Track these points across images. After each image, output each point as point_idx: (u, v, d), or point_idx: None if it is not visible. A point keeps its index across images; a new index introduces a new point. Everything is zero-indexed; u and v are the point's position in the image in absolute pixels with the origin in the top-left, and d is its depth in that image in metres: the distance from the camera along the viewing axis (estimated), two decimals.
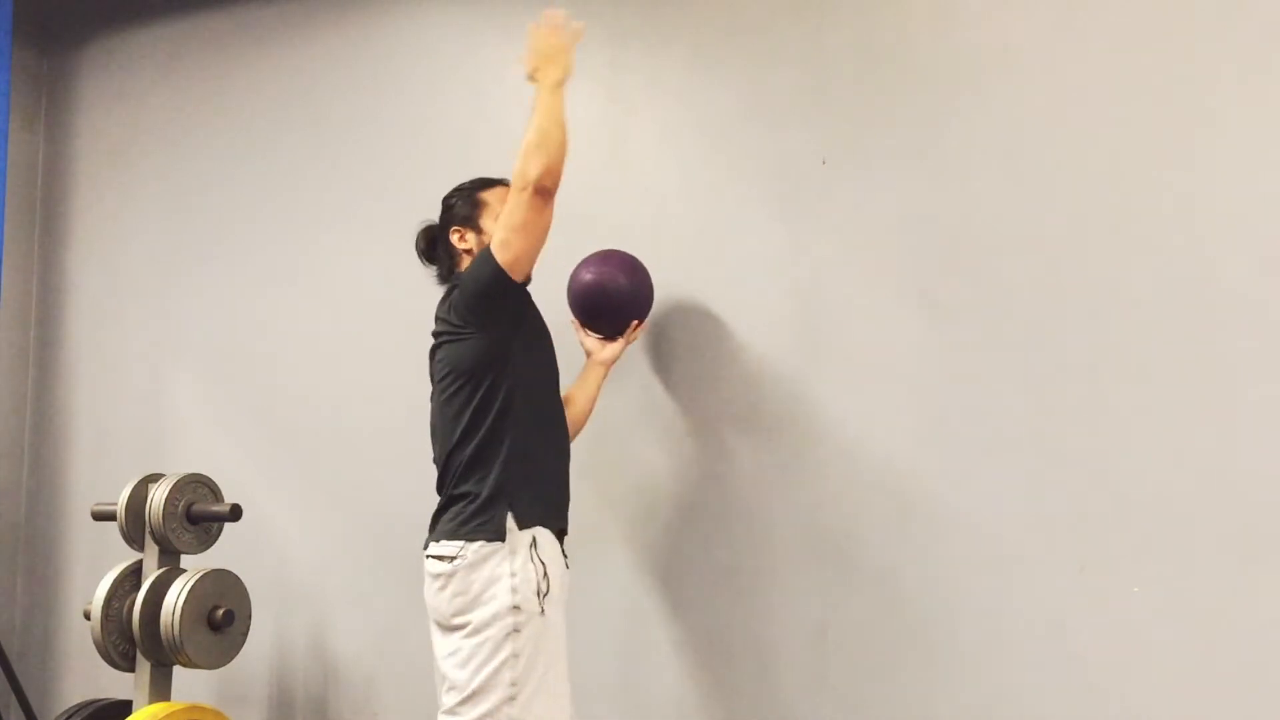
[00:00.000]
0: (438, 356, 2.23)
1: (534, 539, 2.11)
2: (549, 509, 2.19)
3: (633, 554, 2.65)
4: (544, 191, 2.06)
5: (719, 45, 2.66)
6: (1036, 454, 2.25)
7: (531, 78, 2.15)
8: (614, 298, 2.47)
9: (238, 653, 2.81)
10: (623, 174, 2.74)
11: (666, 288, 2.64)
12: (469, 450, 2.14)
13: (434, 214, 2.40)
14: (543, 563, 2.09)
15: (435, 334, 2.26)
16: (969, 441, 2.31)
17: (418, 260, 2.43)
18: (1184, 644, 2.10)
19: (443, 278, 2.38)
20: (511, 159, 2.64)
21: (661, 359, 2.65)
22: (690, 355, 2.62)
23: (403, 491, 2.83)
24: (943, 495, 2.33)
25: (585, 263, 2.51)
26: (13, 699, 3.26)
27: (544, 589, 2.07)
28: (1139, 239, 2.20)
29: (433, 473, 2.34)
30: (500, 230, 2.09)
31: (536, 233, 2.09)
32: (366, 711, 2.99)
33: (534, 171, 2.04)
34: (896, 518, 2.37)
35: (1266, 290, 2.09)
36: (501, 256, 2.08)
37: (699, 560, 2.56)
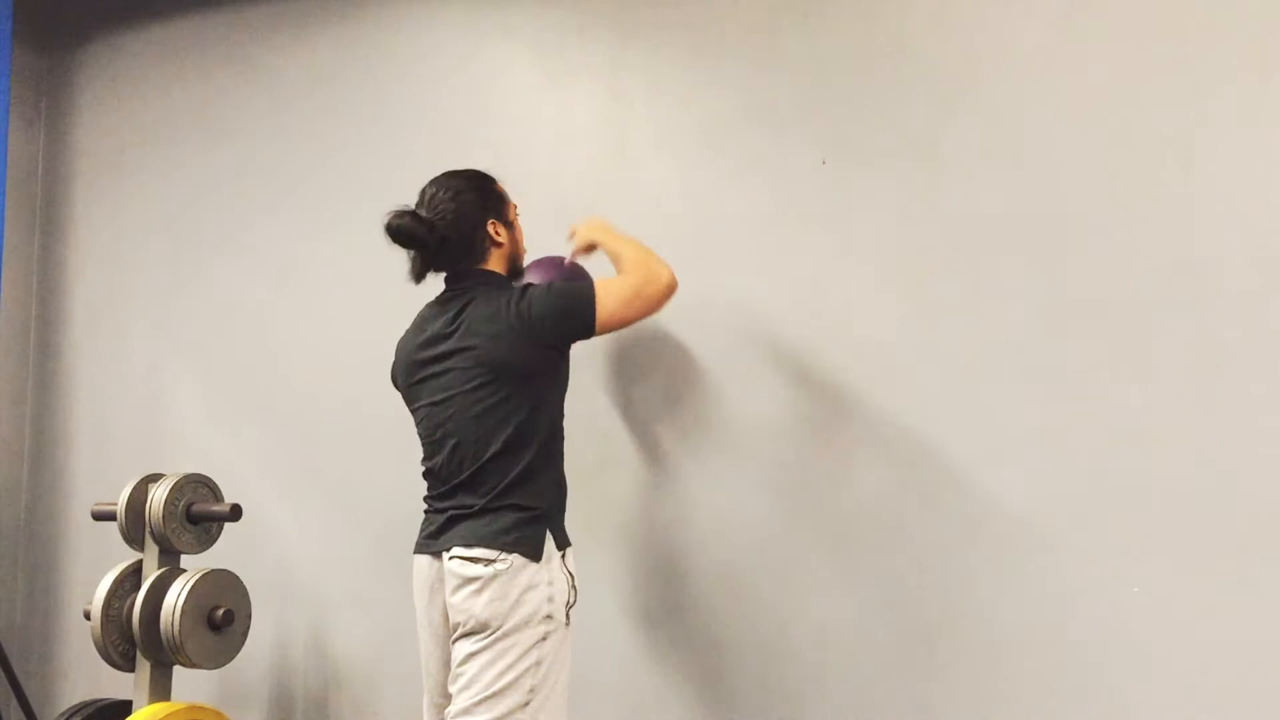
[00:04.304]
0: (486, 350, 2.14)
1: (564, 553, 2.16)
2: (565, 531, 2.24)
3: (632, 554, 2.65)
4: (670, 294, 2.23)
5: (719, 45, 2.66)
6: (1036, 454, 2.25)
7: (588, 239, 2.37)
8: None
9: (238, 653, 2.81)
10: (622, 174, 2.74)
11: None
12: (521, 463, 2.12)
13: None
14: (570, 574, 2.14)
15: (484, 318, 2.17)
16: (968, 441, 2.31)
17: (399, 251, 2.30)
18: (1184, 644, 2.10)
19: (454, 272, 2.27)
20: (512, 160, 2.66)
21: (660, 359, 2.65)
22: (689, 355, 2.62)
23: (403, 492, 2.83)
24: (942, 495, 2.33)
25: (545, 269, 2.46)
26: (13, 699, 3.26)
27: (572, 600, 2.12)
28: (1139, 238, 2.20)
29: None
30: (615, 289, 2.18)
31: (636, 316, 2.22)
32: (366, 711, 2.99)
33: (667, 273, 2.22)
34: (896, 517, 2.37)
35: (1266, 289, 2.09)
36: (608, 309, 2.17)
37: (699, 560, 2.57)
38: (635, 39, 2.77)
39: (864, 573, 2.39)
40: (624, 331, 2.67)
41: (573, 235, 2.44)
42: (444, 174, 2.32)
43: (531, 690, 2.03)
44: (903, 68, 2.45)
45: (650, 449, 2.65)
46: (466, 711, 2.03)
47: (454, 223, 2.23)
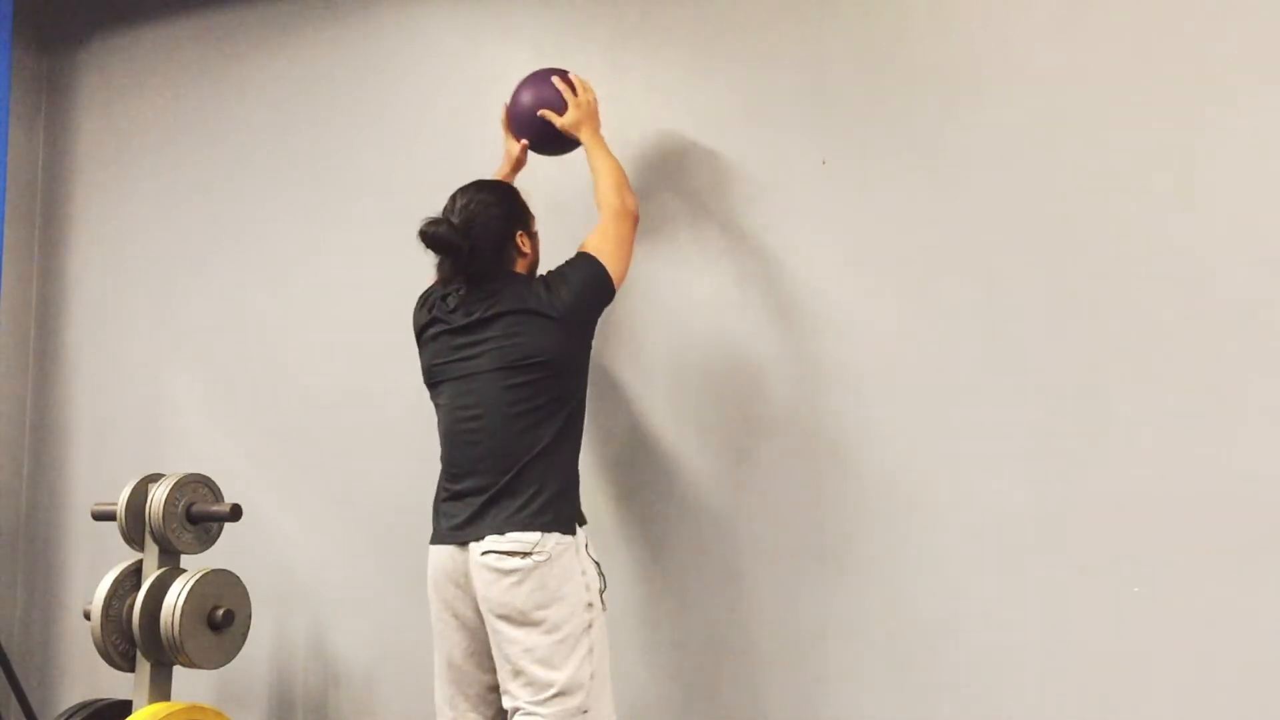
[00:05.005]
0: (520, 333, 2.23)
1: (586, 539, 2.25)
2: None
3: (633, 554, 2.65)
4: (637, 224, 2.43)
5: (719, 45, 2.66)
6: (1037, 454, 2.25)
7: (576, 128, 2.46)
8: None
9: (238, 653, 2.80)
10: None
11: (666, 287, 2.65)
12: (543, 441, 2.21)
13: (434, 213, 2.36)
14: (595, 561, 2.24)
15: (513, 310, 2.25)
16: (969, 441, 2.31)
17: (419, 257, 2.35)
18: (1184, 644, 2.10)
19: (482, 275, 2.32)
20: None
21: (660, 359, 2.65)
22: (689, 355, 2.62)
23: (403, 491, 2.83)
24: (943, 495, 2.33)
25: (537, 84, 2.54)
26: (13, 699, 3.26)
27: (603, 586, 2.23)
28: (1139, 238, 2.20)
29: (434, 468, 2.34)
30: (610, 248, 2.33)
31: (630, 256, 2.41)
32: (367, 711, 2.99)
33: (633, 202, 2.41)
34: (896, 518, 2.37)
35: (1267, 290, 2.09)
36: (617, 270, 2.33)
37: (699, 560, 2.56)
38: (635, 39, 2.77)
39: (864, 572, 2.39)
40: (622, 331, 2.68)
41: (571, 104, 2.48)
42: (473, 184, 2.38)
43: (592, 676, 2.14)
44: (903, 68, 2.45)
45: (649, 449, 2.65)
46: (541, 703, 2.10)
47: (485, 233, 2.30)
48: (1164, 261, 2.18)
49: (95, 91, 3.68)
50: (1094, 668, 2.17)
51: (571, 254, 2.38)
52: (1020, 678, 2.23)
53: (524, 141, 2.57)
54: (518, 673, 2.13)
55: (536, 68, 2.60)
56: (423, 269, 2.44)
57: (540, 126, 2.51)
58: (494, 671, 2.21)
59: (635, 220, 2.42)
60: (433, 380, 2.37)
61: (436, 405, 2.36)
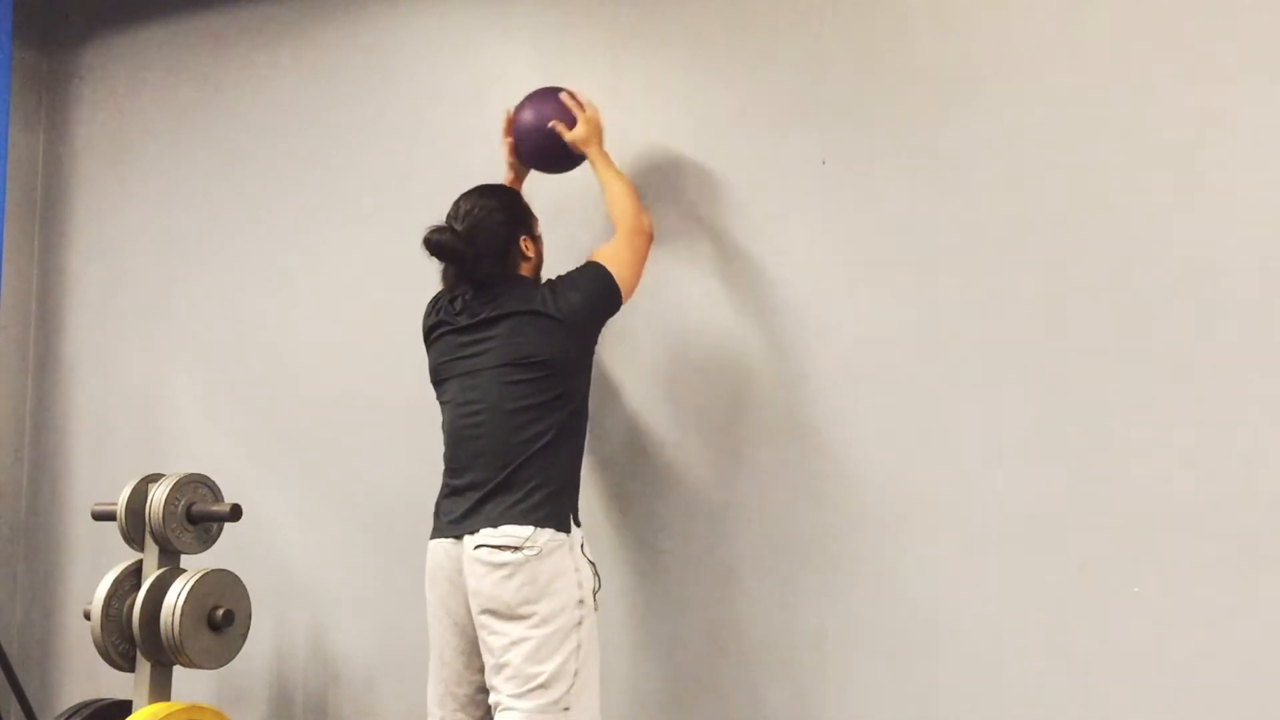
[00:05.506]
0: (523, 333, 2.26)
1: (582, 539, 2.25)
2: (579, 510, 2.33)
3: (630, 555, 2.65)
4: (651, 242, 2.47)
5: (719, 45, 2.66)
6: (1036, 454, 2.25)
7: (585, 144, 2.46)
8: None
9: (238, 653, 2.80)
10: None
11: (665, 287, 2.65)
12: (543, 439, 2.22)
13: (434, 214, 2.36)
14: (591, 562, 2.24)
15: (517, 312, 2.28)
16: (968, 441, 2.31)
17: (419, 256, 2.35)
18: (1184, 644, 2.10)
19: (487, 279, 2.35)
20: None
21: (661, 359, 2.65)
22: (688, 356, 2.62)
23: (403, 491, 2.83)
24: (941, 495, 2.33)
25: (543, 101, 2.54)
26: (13, 699, 3.26)
27: (597, 586, 2.24)
28: (1139, 239, 2.20)
29: (433, 467, 2.34)
30: (624, 261, 2.37)
31: (641, 272, 2.44)
32: (366, 711, 2.99)
33: (648, 221, 2.46)
34: (895, 518, 2.37)
35: (1266, 290, 2.09)
36: (627, 284, 2.37)
37: (699, 560, 2.56)
38: (635, 39, 2.77)
39: (863, 572, 2.39)
40: (621, 331, 2.68)
41: (576, 120, 2.48)
42: (476, 190, 2.40)
43: (576, 673, 2.13)
44: (903, 68, 2.45)
45: (649, 448, 2.65)
46: (521, 696, 2.10)
47: (489, 239, 2.32)
48: (1164, 261, 2.18)
49: (95, 91, 3.68)
50: (1094, 668, 2.17)
51: (573, 258, 2.38)
52: (1020, 678, 2.23)
53: (526, 165, 2.60)
54: (501, 666, 2.13)
55: (531, 68, 2.61)
56: (422, 268, 2.44)
57: (543, 142, 2.50)
58: (484, 671, 2.21)
59: (650, 239, 2.45)
60: (438, 378, 2.38)
61: (441, 403, 2.37)
